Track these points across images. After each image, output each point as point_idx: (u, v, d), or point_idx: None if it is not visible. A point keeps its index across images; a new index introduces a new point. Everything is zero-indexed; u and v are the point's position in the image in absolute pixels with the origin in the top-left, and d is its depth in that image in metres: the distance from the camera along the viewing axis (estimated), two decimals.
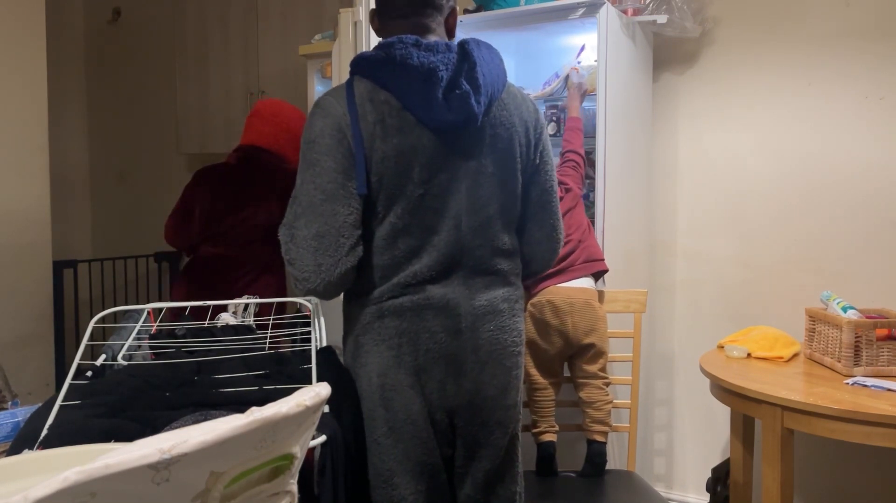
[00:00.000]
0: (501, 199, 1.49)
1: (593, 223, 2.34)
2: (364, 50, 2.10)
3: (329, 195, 1.38)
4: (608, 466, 2.06)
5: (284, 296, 2.63)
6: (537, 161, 1.55)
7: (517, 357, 1.53)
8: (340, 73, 2.59)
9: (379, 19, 1.53)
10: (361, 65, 1.44)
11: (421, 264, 1.43)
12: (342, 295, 1.53)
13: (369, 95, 1.40)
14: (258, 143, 2.57)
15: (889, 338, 1.97)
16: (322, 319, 1.72)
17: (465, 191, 1.45)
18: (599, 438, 2.03)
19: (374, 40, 2.12)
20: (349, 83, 1.44)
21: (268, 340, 1.70)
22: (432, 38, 1.46)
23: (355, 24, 2.22)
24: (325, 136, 1.39)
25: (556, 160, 2.59)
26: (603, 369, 2.06)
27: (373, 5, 1.54)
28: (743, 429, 2.22)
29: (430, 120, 1.40)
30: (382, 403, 1.44)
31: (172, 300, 2.50)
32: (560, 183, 2.11)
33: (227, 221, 2.52)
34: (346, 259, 1.38)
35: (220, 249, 2.54)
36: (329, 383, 0.95)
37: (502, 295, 1.51)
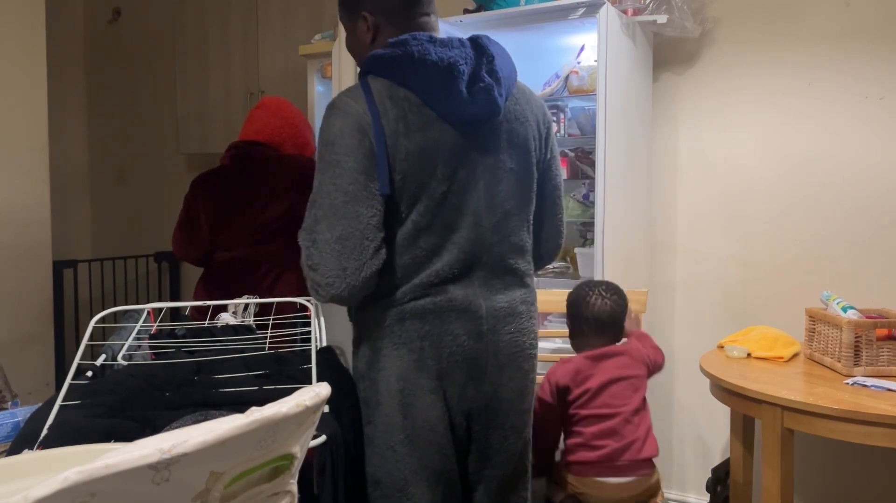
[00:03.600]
0: (519, 195, 1.48)
1: (593, 223, 2.34)
2: None
3: (351, 196, 1.33)
4: None
5: (308, 293, 2.61)
6: (548, 156, 1.56)
7: (533, 360, 1.53)
8: (340, 72, 2.60)
9: (375, 22, 1.46)
10: (376, 63, 1.40)
11: (442, 263, 1.40)
12: None
13: (388, 93, 1.37)
14: (255, 138, 2.53)
15: (889, 338, 1.97)
16: (322, 319, 1.72)
17: (484, 187, 1.43)
18: None
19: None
20: (364, 82, 1.40)
21: (268, 340, 1.70)
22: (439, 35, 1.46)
23: None
24: (344, 135, 1.35)
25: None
26: None
27: (367, 10, 1.47)
28: (743, 429, 2.22)
29: (453, 115, 1.38)
30: (401, 409, 1.40)
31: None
32: None
33: (234, 224, 2.48)
34: (371, 262, 1.35)
35: (235, 253, 2.50)
36: (329, 383, 0.95)
37: (520, 296, 1.50)
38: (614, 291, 1.95)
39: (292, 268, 2.48)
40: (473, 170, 1.42)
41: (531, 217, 1.53)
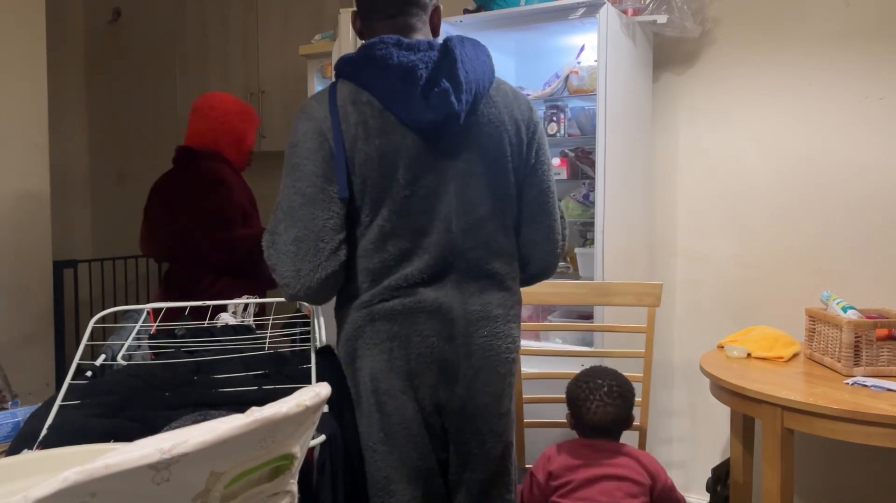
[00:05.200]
0: (492, 200, 1.46)
1: (593, 223, 2.33)
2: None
3: (308, 199, 1.36)
4: None
5: (252, 295, 2.60)
6: (532, 160, 1.51)
7: (511, 364, 1.51)
8: None
9: (362, 21, 1.51)
10: (343, 67, 1.43)
11: (412, 267, 1.41)
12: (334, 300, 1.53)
13: (352, 97, 1.39)
14: (191, 144, 2.52)
15: (889, 338, 1.97)
16: (322, 319, 1.72)
17: (454, 191, 1.42)
18: None
19: None
20: (332, 86, 1.43)
21: (267, 340, 1.70)
22: (416, 38, 1.45)
23: None
24: (306, 139, 1.38)
25: (556, 160, 2.60)
26: None
27: (355, 7, 1.52)
28: (743, 429, 2.22)
29: (410, 119, 1.38)
30: (377, 408, 1.42)
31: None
32: None
33: (171, 228, 2.50)
34: (326, 264, 1.37)
35: (178, 255, 2.53)
36: (329, 383, 0.95)
37: (497, 300, 1.48)
38: (618, 394, 1.75)
39: (231, 274, 2.50)
40: (443, 175, 1.41)
41: (510, 222, 1.51)
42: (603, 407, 1.75)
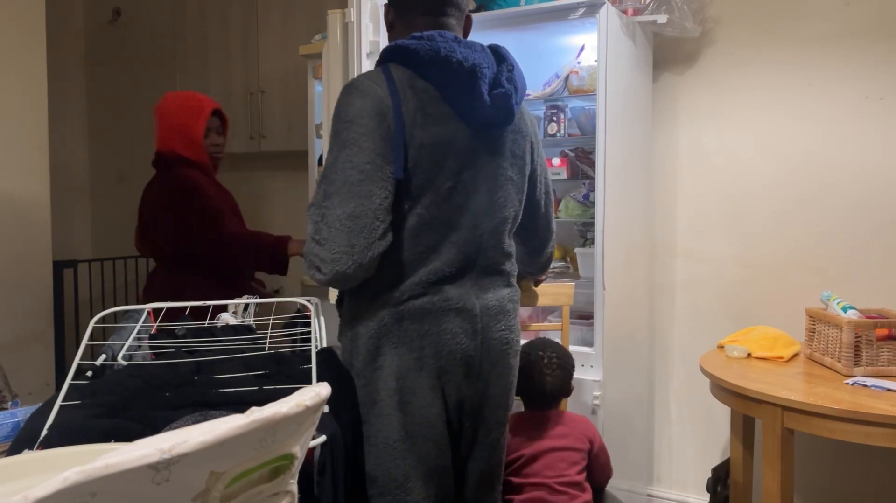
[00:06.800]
0: (515, 204, 1.53)
1: (593, 223, 2.34)
2: (355, 51, 2.10)
3: (367, 176, 1.35)
4: None
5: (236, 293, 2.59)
6: (537, 169, 1.62)
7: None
8: (330, 74, 2.56)
9: (397, 14, 1.53)
10: (399, 52, 1.43)
11: (441, 261, 1.43)
12: (337, 294, 1.54)
13: (409, 82, 1.40)
14: (159, 149, 2.50)
15: (889, 338, 1.97)
16: (322, 319, 1.72)
17: (486, 191, 1.47)
18: None
19: (367, 41, 2.10)
20: (385, 69, 1.43)
21: (268, 340, 1.70)
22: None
23: (346, 24, 2.20)
24: (364, 116, 1.37)
25: (556, 160, 2.60)
26: None
27: (375, 4, 1.56)
28: (743, 429, 2.22)
29: (470, 115, 1.41)
30: (400, 407, 1.43)
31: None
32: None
33: (146, 230, 2.54)
34: (380, 243, 1.36)
35: (165, 255, 2.56)
36: (329, 383, 0.95)
37: (507, 295, 1.54)
38: (558, 365, 1.86)
39: (210, 274, 2.51)
40: (477, 172, 1.45)
41: (515, 225, 1.59)
42: (541, 377, 1.84)
